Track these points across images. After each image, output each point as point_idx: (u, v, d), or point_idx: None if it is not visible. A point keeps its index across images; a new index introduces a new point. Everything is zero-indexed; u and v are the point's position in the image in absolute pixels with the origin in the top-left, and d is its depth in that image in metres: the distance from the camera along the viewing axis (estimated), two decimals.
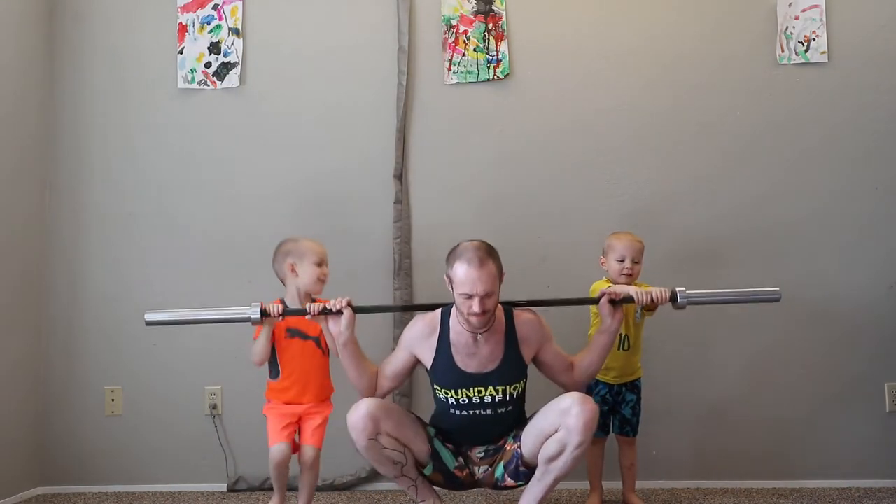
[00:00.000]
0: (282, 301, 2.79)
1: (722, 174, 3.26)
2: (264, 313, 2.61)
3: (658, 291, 2.62)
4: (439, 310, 2.62)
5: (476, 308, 2.41)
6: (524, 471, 2.55)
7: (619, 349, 2.84)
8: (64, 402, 3.36)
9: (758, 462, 3.17)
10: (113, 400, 3.36)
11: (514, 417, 2.61)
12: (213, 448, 3.31)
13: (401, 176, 3.32)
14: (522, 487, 2.57)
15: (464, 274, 2.41)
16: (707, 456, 3.19)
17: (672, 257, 3.22)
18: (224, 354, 3.29)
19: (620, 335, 2.80)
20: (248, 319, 2.61)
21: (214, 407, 3.32)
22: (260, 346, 2.73)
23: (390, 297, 3.27)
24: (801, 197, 3.24)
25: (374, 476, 3.23)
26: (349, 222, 3.35)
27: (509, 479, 2.58)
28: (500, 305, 2.56)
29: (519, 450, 2.55)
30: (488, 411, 2.55)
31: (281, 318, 2.65)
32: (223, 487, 3.29)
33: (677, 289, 2.62)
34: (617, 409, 2.89)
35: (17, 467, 3.19)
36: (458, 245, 2.52)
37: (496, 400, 2.54)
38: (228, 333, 3.21)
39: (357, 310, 2.57)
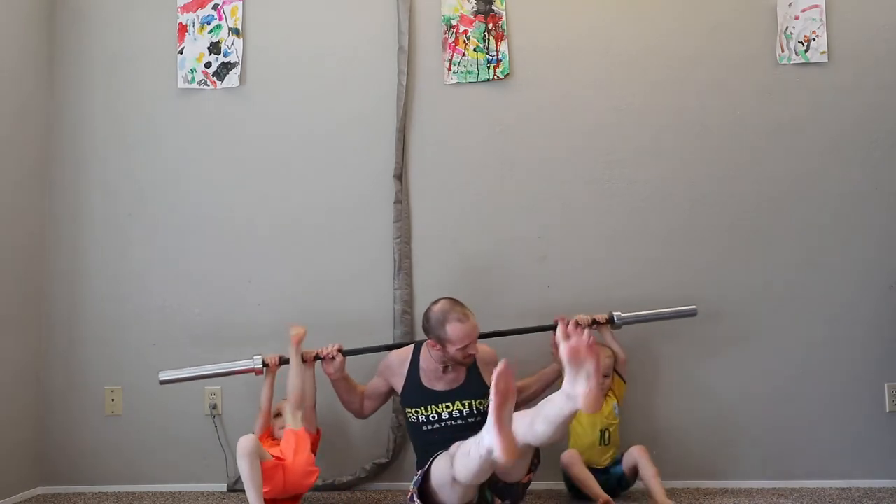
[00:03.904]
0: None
1: (721, 174, 3.26)
2: (265, 364, 2.99)
3: (599, 317, 3.03)
4: (412, 345, 2.99)
5: (473, 350, 2.78)
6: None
7: (599, 444, 2.98)
8: (64, 403, 3.36)
9: (758, 462, 3.17)
10: (113, 400, 3.36)
11: None
12: (213, 448, 3.30)
13: (401, 176, 3.32)
14: None
15: (460, 331, 2.73)
16: (707, 456, 3.19)
17: (670, 256, 3.23)
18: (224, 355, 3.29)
19: (600, 430, 2.98)
20: (252, 370, 3.00)
21: (214, 407, 3.32)
22: (262, 394, 3.03)
23: (390, 297, 3.28)
24: (800, 196, 3.23)
25: (374, 476, 3.23)
26: (349, 222, 3.35)
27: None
28: None
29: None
30: (459, 422, 2.80)
31: (278, 366, 3.00)
32: (223, 487, 3.29)
33: (614, 313, 3.05)
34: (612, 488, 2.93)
35: (17, 467, 3.19)
36: (430, 311, 2.81)
37: (464, 413, 2.81)
38: (228, 334, 3.22)
39: (346, 353, 2.97)
